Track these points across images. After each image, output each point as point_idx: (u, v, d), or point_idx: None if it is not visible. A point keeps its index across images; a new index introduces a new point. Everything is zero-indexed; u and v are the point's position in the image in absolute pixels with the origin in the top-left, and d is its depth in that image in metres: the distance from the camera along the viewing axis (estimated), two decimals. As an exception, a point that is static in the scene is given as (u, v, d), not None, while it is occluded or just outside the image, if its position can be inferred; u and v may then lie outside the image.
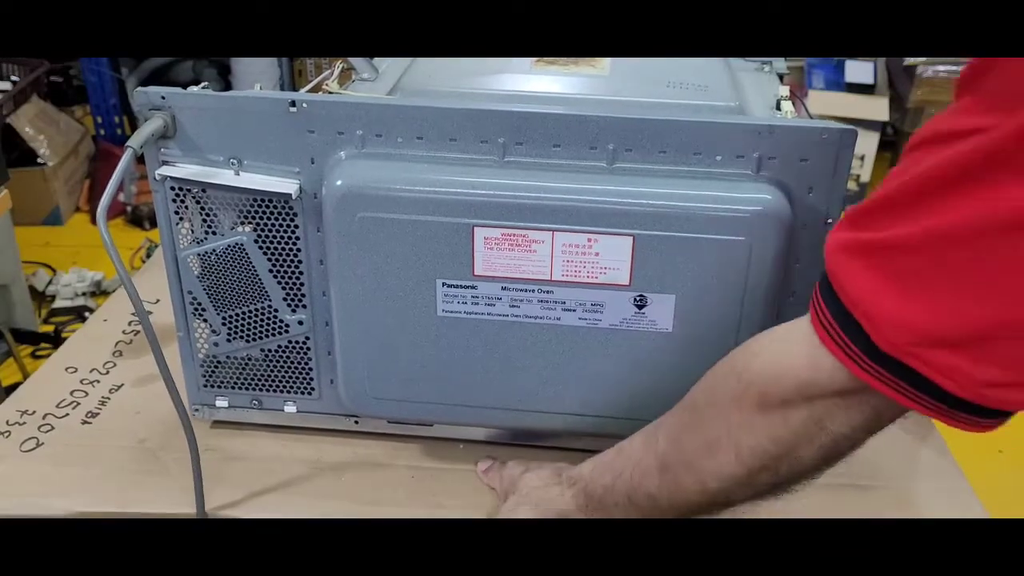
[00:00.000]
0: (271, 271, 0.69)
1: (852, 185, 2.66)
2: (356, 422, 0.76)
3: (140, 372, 0.86)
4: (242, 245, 0.68)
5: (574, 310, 0.64)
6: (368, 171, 0.62)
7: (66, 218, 2.60)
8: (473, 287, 0.64)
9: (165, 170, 0.65)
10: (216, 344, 0.73)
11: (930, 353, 0.44)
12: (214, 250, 0.69)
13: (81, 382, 0.85)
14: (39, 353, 1.95)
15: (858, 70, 2.51)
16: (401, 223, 0.62)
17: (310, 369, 0.73)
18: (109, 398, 0.83)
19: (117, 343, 0.91)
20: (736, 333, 0.63)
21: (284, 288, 0.70)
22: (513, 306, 0.64)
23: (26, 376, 1.82)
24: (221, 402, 0.76)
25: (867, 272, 0.45)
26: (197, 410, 0.77)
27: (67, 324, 2.09)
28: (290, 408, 0.75)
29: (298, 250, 0.68)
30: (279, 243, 0.68)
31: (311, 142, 0.64)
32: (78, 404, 0.82)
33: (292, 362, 0.73)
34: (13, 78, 2.45)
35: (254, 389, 0.75)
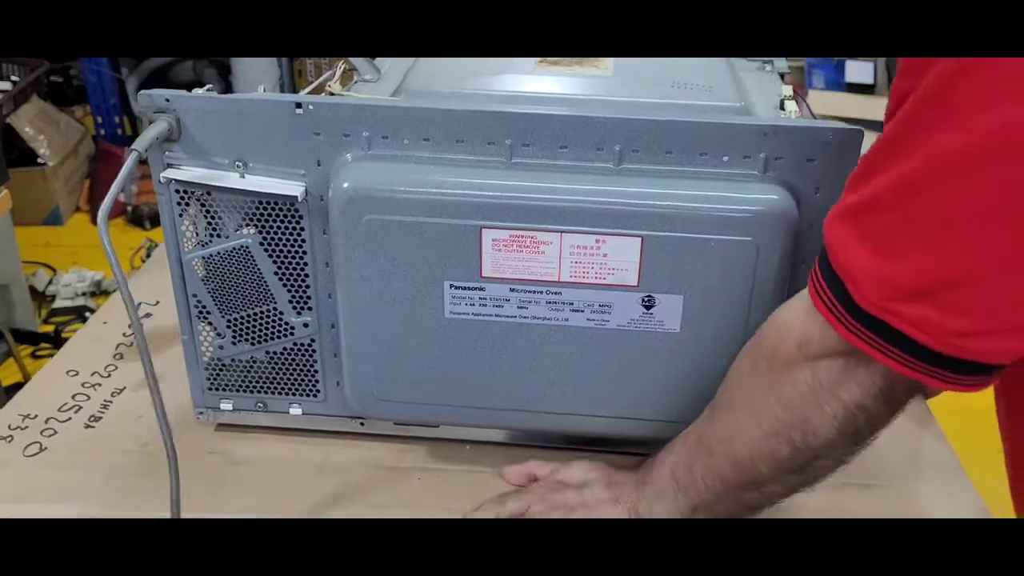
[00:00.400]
0: (276, 274, 0.69)
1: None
2: (362, 424, 0.76)
3: (142, 375, 0.85)
4: (247, 248, 0.68)
5: (582, 311, 0.64)
6: (375, 173, 0.62)
7: (66, 218, 2.60)
8: (481, 289, 0.64)
9: (170, 173, 0.65)
10: (221, 347, 0.72)
11: (902, 307, 0.46)
12: (219, 253, 0.68)
13: (83, 385, 0.85)
14: (39, 353, 1.95)
15: (858, 70, 2.52)
16: (408, 225, 0.62)
17: (315, 371, 0.73)
18: (111, 401, 0.82)
19: (118, 346, 0.91)
20: (744, 332, 0.63)
21: (290, 291, 0.69)
22: (521, 307, 0.64)
23: (26, 377, 1.83)
24: (226, 405, 0.76)
25: (848, 232, 0.49)
26: (201, 413, 0.76)
27: (67, 324, 2.10)
28: (295, 410, 0.75)
29: (304, 252, 0.68)
30: (284, 245, 0.67)
31: (317, 144, 0.64)
32: (80, 408, 0.81)
33: (297, 364, 0.73)
34: (13, 78, 2.46)
35: (259, 392, 0.75)
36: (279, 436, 0.77)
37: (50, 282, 2.22)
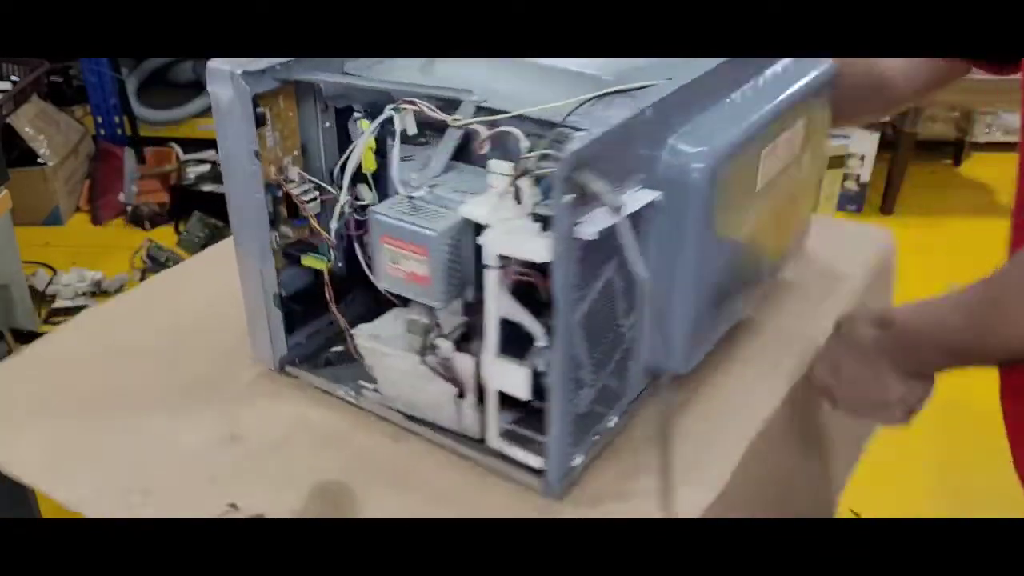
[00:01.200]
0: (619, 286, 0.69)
1: (852, 185, 2.70)
2: (645, 388, 0.79)
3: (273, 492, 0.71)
4: (611, 277, 0.66)
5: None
6: (711, 143, 0.68)
7: (66, 218, 2.62)
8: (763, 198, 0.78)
9: (583, 231, 0.60)
10: (587, 397, 0.69)
11: None
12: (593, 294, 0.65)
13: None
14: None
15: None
16: (736, 168, 0.71)
17: (630, 365, 0.74)
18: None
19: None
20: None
21: (625, 297, 0.70)
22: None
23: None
24: (577, 460, 0.71)
25: None
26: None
27: (70, 322, 2.04)
28: (614, 420, 0.75)
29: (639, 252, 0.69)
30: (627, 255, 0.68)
31: (656, 143, 0.67)
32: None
33: (624, 366, 0.73)
34: (13, 78, 2.45)
35: (600, 420, 0.73)
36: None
37: (50, 282, 2.26)
